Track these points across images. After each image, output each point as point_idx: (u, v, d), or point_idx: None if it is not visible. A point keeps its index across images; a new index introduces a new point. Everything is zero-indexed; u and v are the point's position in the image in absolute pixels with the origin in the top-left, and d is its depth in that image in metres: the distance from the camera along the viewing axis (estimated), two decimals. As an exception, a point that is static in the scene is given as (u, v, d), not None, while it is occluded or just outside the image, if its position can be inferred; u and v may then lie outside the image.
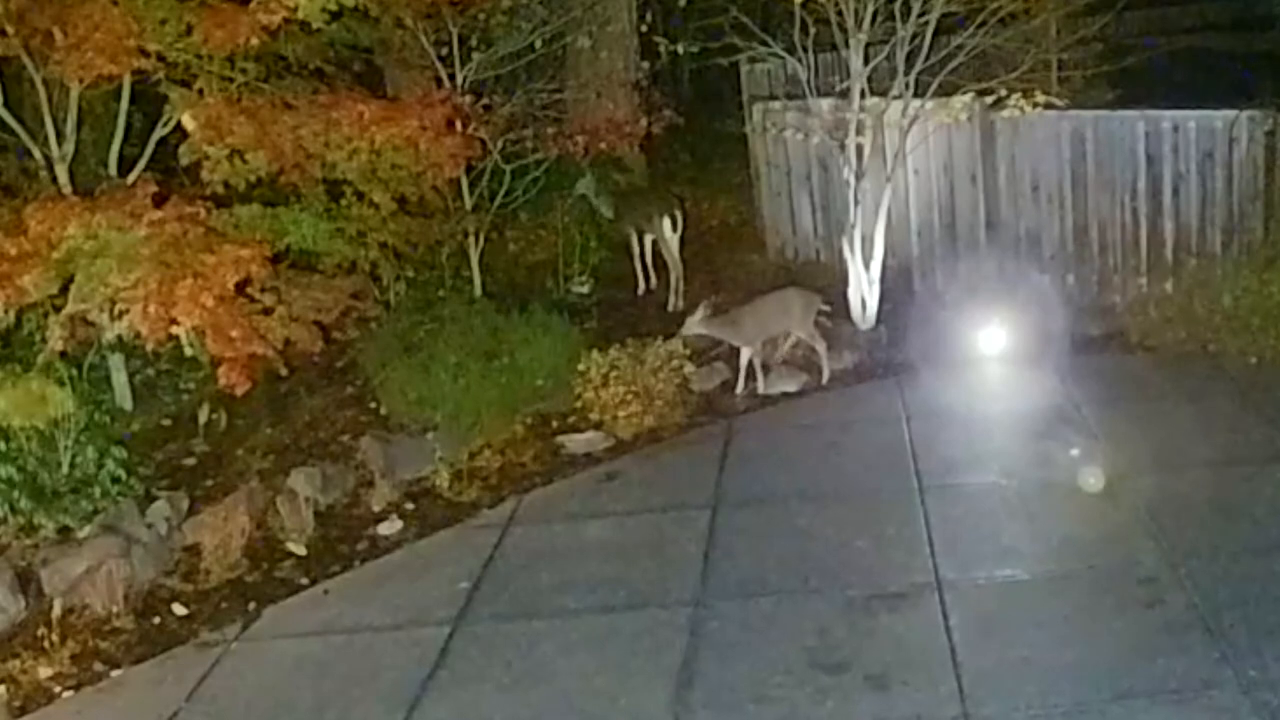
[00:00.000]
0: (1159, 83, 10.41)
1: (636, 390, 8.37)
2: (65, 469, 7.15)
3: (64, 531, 6.94)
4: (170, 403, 8.77)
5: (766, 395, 8.93)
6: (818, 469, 7.81)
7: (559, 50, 11.62)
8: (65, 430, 7.16)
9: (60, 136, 8.06)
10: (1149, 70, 10.73)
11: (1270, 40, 14.53)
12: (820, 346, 9.05)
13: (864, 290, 9.68)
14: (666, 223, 10.64)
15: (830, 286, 10.00)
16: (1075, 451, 7.47)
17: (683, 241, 10.79)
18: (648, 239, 10.94)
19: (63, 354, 7.25)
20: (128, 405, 8.48)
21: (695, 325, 8.85)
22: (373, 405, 8.75)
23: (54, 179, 8.07)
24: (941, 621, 5.96)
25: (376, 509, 7.71)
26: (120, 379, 8.48)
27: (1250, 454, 7.41)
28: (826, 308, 9.15)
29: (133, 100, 8.43)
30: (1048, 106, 9.41)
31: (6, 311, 6.88)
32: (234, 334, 6.87)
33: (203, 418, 8.38)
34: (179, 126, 8.05)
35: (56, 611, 6.57)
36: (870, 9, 9.17)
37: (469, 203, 10.02)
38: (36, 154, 8.14)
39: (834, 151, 10.09)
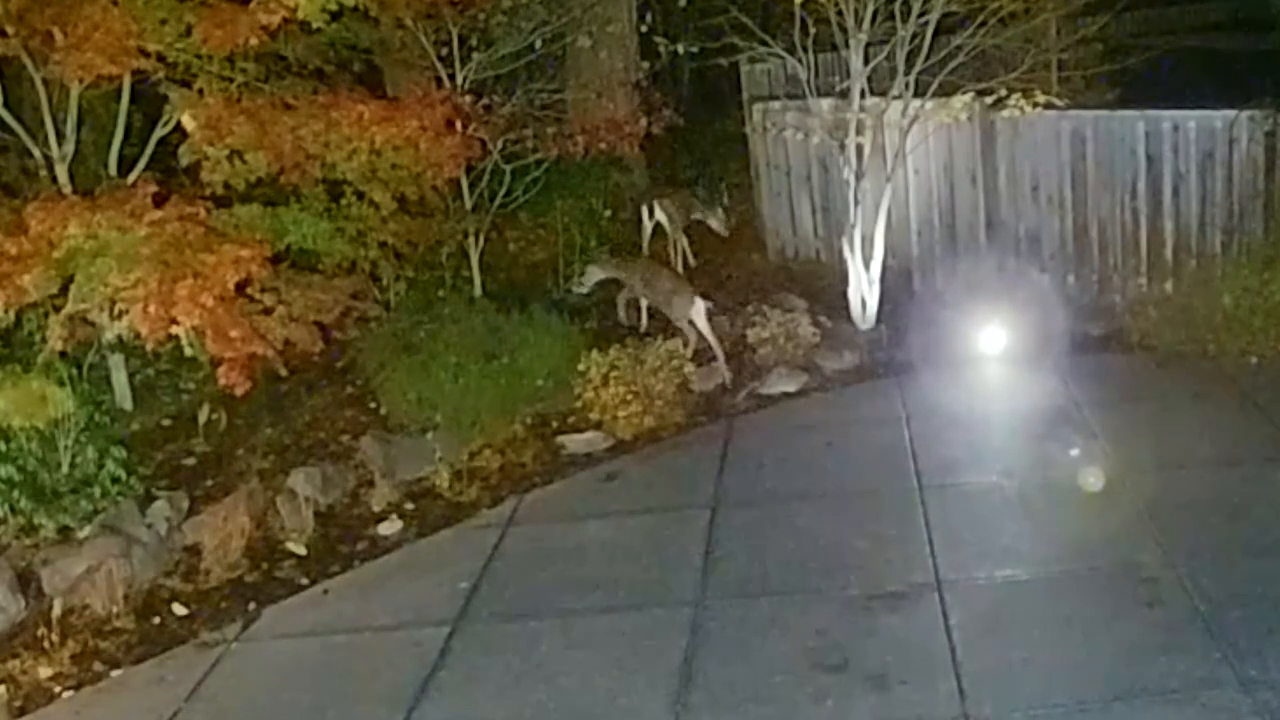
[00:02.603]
0: (1159, 83, 10.40)
1: (636, 390, 8.37)
2: (65, 469, 7.14)
3: (64, 531, 6.92)
4: (170, 403, 8.76)
5: (767, 395, 8.92)
6: (817, 469, 7.81)
7: (559, 50, 11.62)
8: (65, 430, 7.14)
9: (60, 136, 8.05)
10: (1149, 70, 10.73)
11: (1270, 40, 14.52)
12: (690, 340, 9.11)
13: (864, 290, 9.68)
14: (652, 209, 11.00)
15: (830, 286, 10.04)
16: (1075, 451, 7.47)
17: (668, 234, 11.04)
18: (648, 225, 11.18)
19: (63, 354, 7.24)
20: (128, 405, 8.47)
21: (594, 273, 9.69)
22: (373, 405, 8.74)
23: (54, 179, 8.06)
24: (941, 621, 5.95)
25: (376, 509, 7.70)
26: (120, 379, 8.47)
27: (1250, 454, 7.42)
28: (706, 303, 9.16)
29: (133, 100, 8.43)
30: (1048, 106, 9.41)
31: (6, 311, 6.86)
32: (234, 334, 6.86)
33: (203, 418, 8.36)
34: (179, 126, 8.05)
35: (56, 611, 6.56)
36: (870, 9, 9.17)
37: (469, 203, 10.00)
38: (36, 154, 8.13)
39: (834, 151, 10.09)
